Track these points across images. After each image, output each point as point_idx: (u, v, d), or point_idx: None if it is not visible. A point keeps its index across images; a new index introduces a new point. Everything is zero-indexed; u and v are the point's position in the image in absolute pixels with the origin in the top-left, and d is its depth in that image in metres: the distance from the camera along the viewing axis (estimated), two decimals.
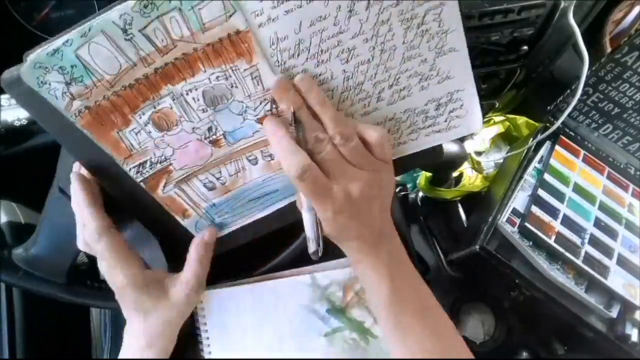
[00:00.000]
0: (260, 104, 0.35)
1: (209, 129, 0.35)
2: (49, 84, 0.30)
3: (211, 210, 0.40)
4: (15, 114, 0.48)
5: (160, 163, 0.36)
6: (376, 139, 0.36)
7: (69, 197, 0.41)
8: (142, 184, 0.36)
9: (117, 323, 0.56)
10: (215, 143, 0.36)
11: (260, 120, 0.36)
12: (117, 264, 0.36)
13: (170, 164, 0.36)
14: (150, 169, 0.36)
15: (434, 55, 0.36)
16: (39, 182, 0.43)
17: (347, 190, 0.35)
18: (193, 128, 0.34)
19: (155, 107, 0.33)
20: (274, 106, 0.35)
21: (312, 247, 0.37)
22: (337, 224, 0.36)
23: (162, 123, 0.34)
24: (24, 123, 0.48)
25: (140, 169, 0.36)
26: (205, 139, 0.35)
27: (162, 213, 0.39)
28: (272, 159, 0.38)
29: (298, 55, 0.33)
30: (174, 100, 0.33)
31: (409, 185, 0.75)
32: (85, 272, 0.48)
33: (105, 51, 0.29)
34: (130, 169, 0.35)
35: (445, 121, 0.40)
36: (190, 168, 0.37)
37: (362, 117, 0.38)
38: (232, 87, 0.33)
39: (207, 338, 0.46)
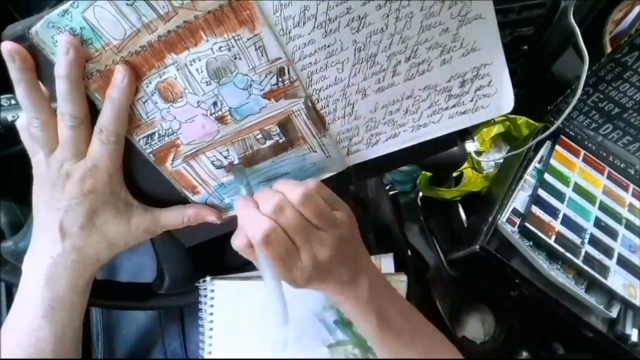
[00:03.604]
0: (266, 77, 0.33)
1: (214, 104, 0.34)
2: None
3: (220, 190, 0.40)
4: (15, 113, 0.48)
5: (167, 136, 0.36)
6: (309, 190, 0.34)
7: None
8: (150, 155, 0.36)
9: (109, 328, 0.56)
10: (221, 120, 0.35)
11: (266, 95, 0.34)
12: (115, 168, 0.35)
13: (178, 138, 0.36)
14: (159, 141, 0.36)
15: (457, 23, 0.32)
16: None
17: (315, 257, 0.34)
18: (198, 102, 0.34)
19: (160, 77, 0.33)
20: (280, 79, 0.34)
21: (283, 319, 0.35)
22: (308, 286, 0.35)
23: (168, 94, 0.33)
24: None
25: (149, 140, 0.36)
26: (211, 114, 0.35)
27: (172, 189, 0.39)
28: (280, 139, 0.37)
29: (304, 24, 0.31)
30: (178, 70, 0.32)
31: (408, 186, 0.75)
32: None
33: (109, 15, 0.30)
34: (139, 140, 0.35)
35: (472, 101, 0.36)
36: (198, 144, 0.36)
37: (376, 93, 0.35)
38: (235, 58, 0.32)
39: (211, 329, 0.46)
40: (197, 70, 0.32)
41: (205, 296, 0.46)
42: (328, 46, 0.32)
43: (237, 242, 0.35)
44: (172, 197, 0.39)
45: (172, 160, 0.37)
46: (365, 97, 0.36)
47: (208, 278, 0.47)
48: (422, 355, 0.38)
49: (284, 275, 0.34)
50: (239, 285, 0.46)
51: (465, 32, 0.33)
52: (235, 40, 0.31)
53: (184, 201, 0.40)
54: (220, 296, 0.46)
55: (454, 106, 0.36)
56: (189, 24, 0.30)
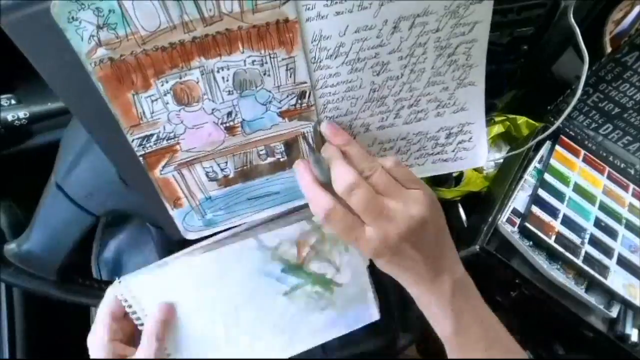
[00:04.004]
0: (287, 96, 0.35)
1: (229, 114, 0.35)
2: (79, 22, 0.28)
3: (205, 204, 0.40)
4: (15, 113, 0.48)
5: (167, 140, 0.35)
6: (391, 162, 0.35)
7: (65, 194, 0.40)
8: (141, 158, 0.35)
9: None
10: (230, 130, 0.35)
11: (282, 114, 0.36)
12: None
13: (178, 143, 0.35)
14: (155, 144, 0.35)
15: (455, 85, 0.38)
16: (39, 182, 0.43)
17: (384, 231, 0.33)
18: (213, 109, 0.34)
19: (180, 78, 0.32)
20: (299, 101, 0.35)
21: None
22: (381, 263, 0.35)
23: (184, 96, 0.33)
24: (24, 123, 0.48)
25: (144, 142, 0.34)
26: (221, 123, 0.35)
27: (152, 195, 0.38)
28: (282, 157, 0.38)
29: (335, 57, 0.34)
30: (202, 74, 0.32)
31: None
32: (77, 270, 0.48)
33: (149, 5, 0.28)
34: (133, 140, 0.34)
35: (453, 151, 0.42)
36: (198, 152, 0.36)
37: (378, 130, 0.39)
38: (264, 74, 0.33)
39: None
40: (222, 78, 0.33)
41: (127, 300, 0.41)
42: (350, 82, 0.36)
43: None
44: (154, 200, 0.39)
45: (163, 167, 0.36)
46: (368, 131, 0.39)
47: (116, 280, 0.41)
48: None
49: (356, 247, 0.34)
50: (155, 274, 0.41)
51: (460, 94, 0.38)
52: (270, 57, 0.32)
53: (164, 209, 0.39)
54: (142, 293, 0.41)
55: (438, 153, 0.42)
56: (230, 32, 0.30)
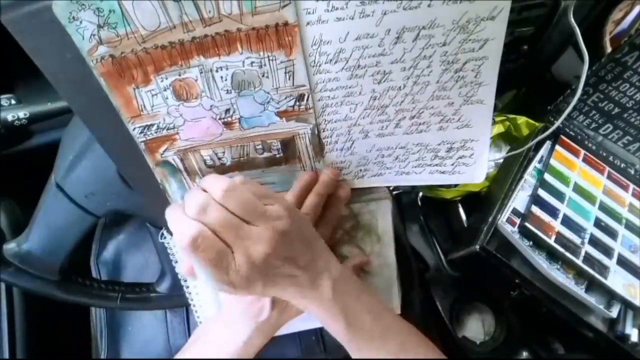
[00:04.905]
0: (285, 98, 0.35)
1: (227, 111, 0.35)
2: (80, 22, 0.29)
3: None
4: (15, 113, 0.48)
5: (167, 129, 0.35)
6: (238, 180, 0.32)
7: (65, 194, 0.41)
8: (142, 144, 0.36)
9: (113, 325, 0.56)
10: (228, 125, 0.36)
11: (279, 114, 0.36)
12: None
13: (177, 133, 0.36)
14: (156, 132, 0.35)
15: (461, 101, 0.37)
16: (39, 182, 0.43)
17: (249, 255, 0.31)
18: (211, 106, 0.34)
19: (180, 75, 0.32)
20: (297, 103, 0.35)
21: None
22: (258, 291, 0.33)
23: (183, 93, 0.33)
24: (24, 123, 0.48)
25: (145, 130, 0.35)
26: (219, 119, 0.35)
27: (152, 190, 0.39)
28: (278, 154, 0.39)
29: (335, 63, 0.34)
30: (201, 73, 0.32)
31: (408, 185, 0.75)
32: (78, 270, 0.48)
33: (149, 5, 0.29)
34: (134, 128, 0.35)
35: (452, 165, 0.42)
36: (196, 142, 0.37)
37: (376, 137, 0.39)
38: (263, 76, 0.33)
39: (195, 286, 0.46)
40: (221, 77, 0.33)
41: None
42: (349, 87, 0.35)
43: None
44: (153, 195, 0.39)
45: (163, 152, 0.37)
46: (366, 138, 0.39)
47: None
48: (393, 355, 0.37)
49: (220, 279, 0.31)
50: None
51: (466, 110, 0.38)
52: (269, 59, 0.33)
53: (158, 190, 0.40)
54: None
55: (436, 165, 0.42)
56: (229, 33, 0.31)
